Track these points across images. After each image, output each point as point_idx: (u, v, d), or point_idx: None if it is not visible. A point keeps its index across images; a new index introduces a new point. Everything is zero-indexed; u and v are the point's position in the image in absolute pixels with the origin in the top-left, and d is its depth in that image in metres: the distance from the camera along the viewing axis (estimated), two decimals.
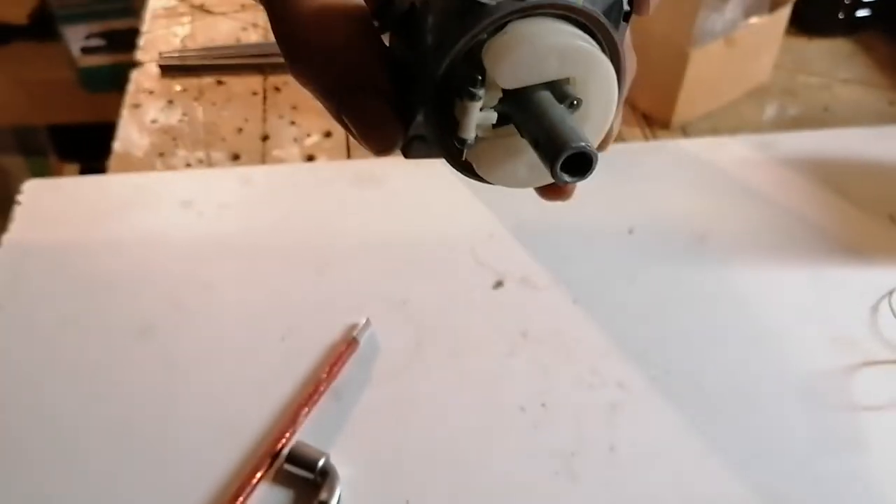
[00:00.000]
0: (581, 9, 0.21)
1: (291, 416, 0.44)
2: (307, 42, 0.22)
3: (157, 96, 0.69)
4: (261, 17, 0.78)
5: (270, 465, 0.42)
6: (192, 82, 0.71)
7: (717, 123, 0.67)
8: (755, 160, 0.61)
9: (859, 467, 0.43)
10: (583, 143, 0.19)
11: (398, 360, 0.48)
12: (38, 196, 0.58)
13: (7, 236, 0.55)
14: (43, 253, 0.54)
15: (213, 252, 0.54)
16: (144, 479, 0.43)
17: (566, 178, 0.20)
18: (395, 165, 0.60)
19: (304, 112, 0.67)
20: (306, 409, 0.44)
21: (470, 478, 0.43)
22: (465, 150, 0.22)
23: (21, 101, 1.28)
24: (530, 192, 0.26)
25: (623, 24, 0.24)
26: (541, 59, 0.21)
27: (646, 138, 0.65)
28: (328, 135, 0.65)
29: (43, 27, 1.23)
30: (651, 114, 0.67)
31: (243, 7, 0.79)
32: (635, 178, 0.60)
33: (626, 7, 0.23)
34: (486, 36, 0.21)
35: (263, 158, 0.63)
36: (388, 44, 0.24)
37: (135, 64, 0.73)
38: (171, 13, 0.80)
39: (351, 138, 0.65)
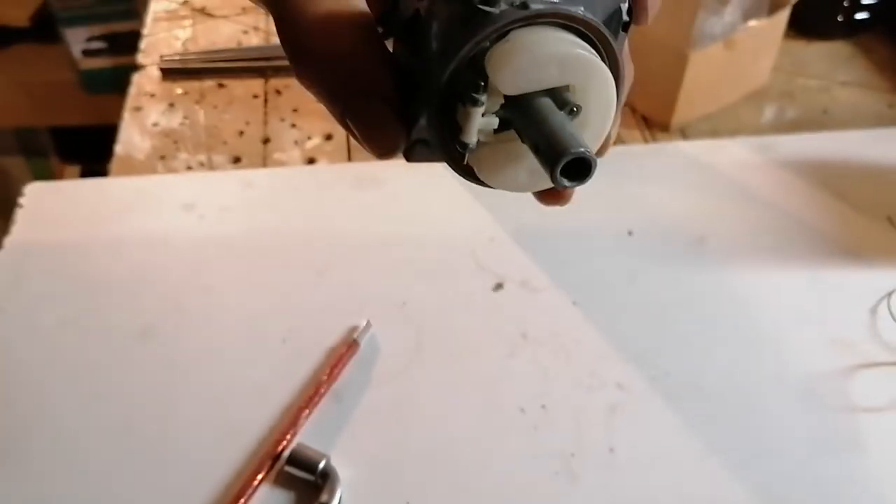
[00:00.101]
0: (582, 18, 0.22)
1: (292, 418, 0.44)
2: (313, 47, 0.23)
3: (159, 99, 0.70)
4: (262, 20, 0.79)
5: (271, 466, 0.43)
6: (194, 85, 0.71)
7: (717, 126, 0.67)
8: (754, 162, 0.61)
9: (858, 469, 0.44)
10: (582, 149, 0.20)
11: (398, 362, 0.48)
12: (40, 199, 0.58)
13: (9, 239, 0.55)
14: (44, 255, 0.55)
15: (215, 255, 0.55)
16: (144, 480, 0.43)
17: (566, 182, 0.20)
18: (396, 168, 0.60)
19: (305, 115, 0.67)
20: (307, 411, 0.45)
21: (470, 479, 0.43)
22: (466, 155, 0.23)
23: (22, 103, 1.28)
24: (530, 196, 0.26)
25: (622, 33, 0.24)
26: (542, 66, 0.21)
27: (645, 141, 0.66)
28: (329, 137, 0.65)
29: (44, 29, 1.23)
30: (650, 116, 0.67)
31: (244, 10, 0.80)
32: (634, 180, 0.60)
33: (625, 17, 0.24)
34: (488, 43, 0.21)
35: (264, 161, 0.64)
36: (391, 49, 0.24)
37: (136, 67, 0.74)
38: (172, 16, 0.80)
39: (352, 141, 0.66)
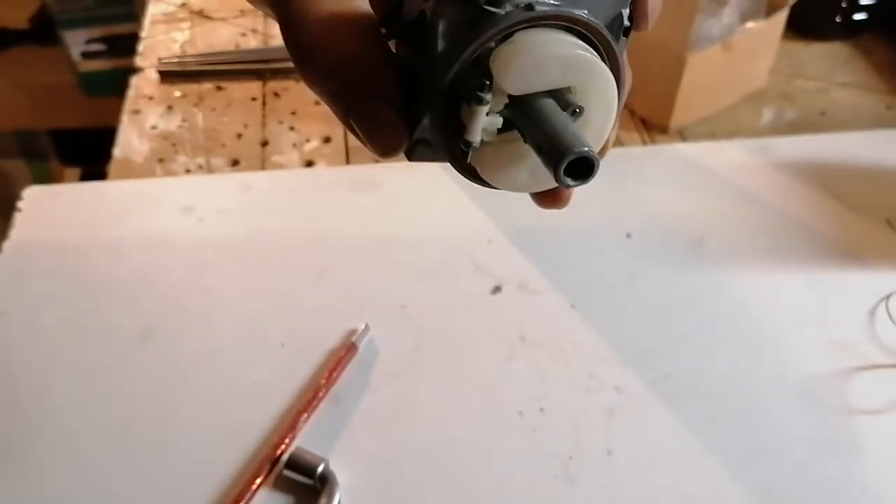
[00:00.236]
0: (585, 21, 0.22)
1: (291, 422, 0.44)
2: (317, 48, 0.23)
3: (157, 102, 0.70)
4: (259, 22, 0.79)
5: (270, 470, 0.43)
6: (192, 88, 0.71)
7: (715, 128, 0.67)
8: (753, 164, 0.61)
9: (857, 471, 0.44)
10: (586, 148, 0.20)
11: (397, 365, 0.48)
12: (39, 203, 0.58)
13: (8, 243, 0.55)
14: (44, 257, 0.55)
15: (214, 257, 0.55)
16: (143, 483, 0.43)
17: (569, 181, 0.21)
18: (394, 171, 0.61)
19: (303, 117, 0.67)
20: (306, 415, 0.45)
21: (468, 482, 0.43)
22: (469, 153, 0.23)
23: (22, 105, 1.28)
24: (528, 198, 0.27)
25: (623, 38, 0.25)
26: (546, 67, 0.22)
27: (644, 143, 0.66)
28: (327, 140, 0.65)
29: (44, 31, 1.23)
30: (649, 118, 0.67)
31: (242, 13, 0.80)
32: (633, 182, 0.60)
33: (626, 22, 0.24)
34: (494, 44, 0.22)
35: (263, 164, 0.64)
36: (394, 50, 0.25)
37: (134, 70, 0.74)
38: (170, 19, 0.80)
39: (350, 144, 0.66)
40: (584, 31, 0.23)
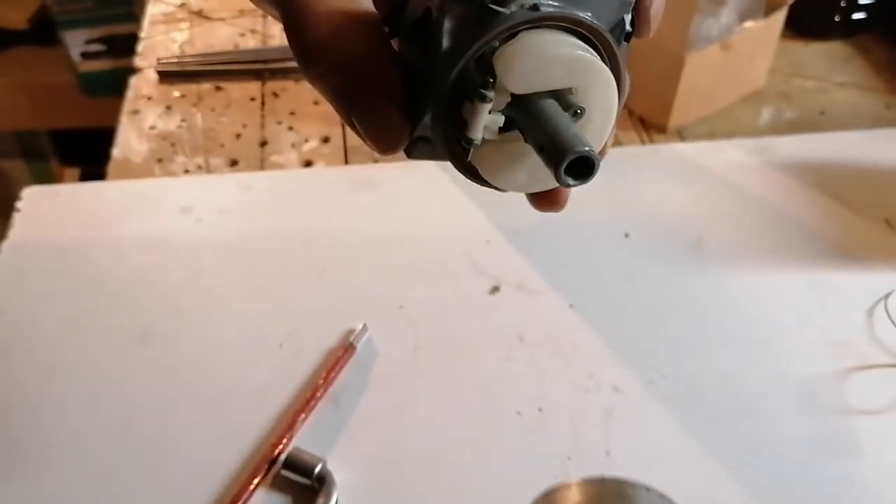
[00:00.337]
0: (589, 24, 0.23)
1: (289, 422, 0.44)
2: (320, 45, 0.23)
3: (156, 102, 0.70)
4: (258, 22, 0.79)
5: (268, 470, 0.43)
6: (191, 88, 0.71)
7: (714, 127, 0.67)
8: (751, 164, 0.61)
9: (855, 471, 0.44)
10: (587, 148, 0.20)
11: (395, 365, 0.48)
12: (38, 203, 0.59)
13: (7, 243, 0.55)
14: (43, 258, 0.55)
15: (213, 257, 0.55)
16: (142, 483, 0.43)
17: (569, 181, 0.21)
18: (393, 171, 0.61)
19: (302, 118, 0.67)
20: (303, 415, 0.45)
21: (467, 482, 0.43)
22: (470, 151, 0.23)
23: (22, 106, 1.28)
24: (526, 198, 0.27)
25: (624, 43, 0.25)
26: (549, 67, 0.22)
27: (642, 142, 0.66)
28: (326, 140, 0.65)
29: (43, 32, 1.23)
30: (647, 118, 0.67)
31: (241, 13, 0.80)
32: (632, 182, 0.60)
33: (627, 28, 0.25)
34: (498, 43, 0.22)
35: (262, 164, 0.64)
36: (396, 48, 0.25)
37: (133, 70, 0.74)
38: (169, 19, 0.80)
39: (349, 144, 0.66)
40: (587, 34, 0.23)
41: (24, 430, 0.45)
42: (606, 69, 0.23)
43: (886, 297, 0.51)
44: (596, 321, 0.51)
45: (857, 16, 0.74)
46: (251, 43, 0.76)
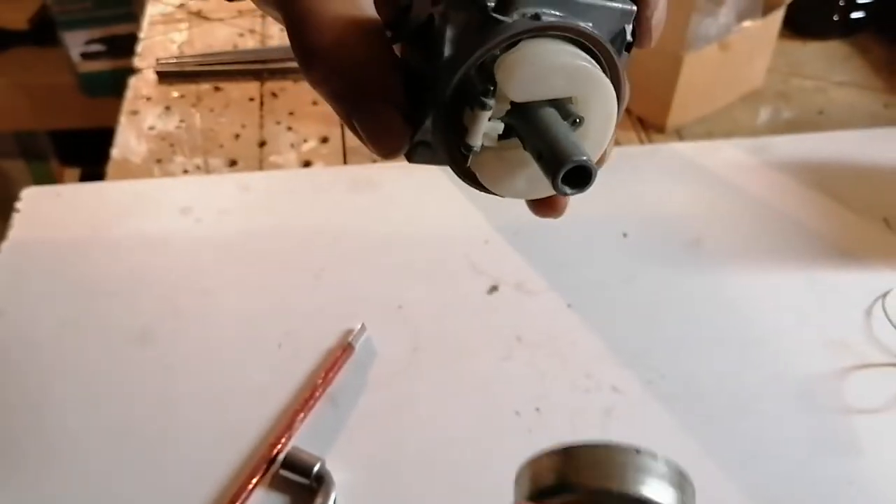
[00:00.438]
0: (590, 34, 0.23)
1: (287, 422, 0.44)
2: (322, 49, 0.23)
3: (155, 103, 0.70)
4: (257, 23, 0.79)
5: (266, 470, 0.43)
6: (190, 88, 0.71)
7: (712, 127, 0.67)
8: (750, 164, 0.61)
9: (854, 470, 0.44)
10: (584, 157, 0.21)
11: (394, 365, 0.48)
12: (37, 203, 0.59)
13: (6, 243, 0.55)
14: (42, 259, 0.55)
15: (212, 257, 0.55)
16: (141, 482, 0.43)
17: (566, 189, 0.21)
18: (392, 171, 0.61)
19: (300, 118, 0.68)
20: (302, 415, 0.45)
21: (465, 482, 0.43)
22: (469, 157, 0.24)
23: (22, 106, 1.28)
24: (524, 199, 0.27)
25: (625, 53, 0.25)
26: (550, 76, 0.22)
27: (641, 142, 0.66)
28: (325, 140, 0.66)
29: (43, 32, 1.23)
30: (646, 118, 0.67)
31: (240, 13, 0.80)
32: (630, 181, 0.60)
33: (629, 38, 0.25)
34: (499, 51, 0.22)
35: (261, 164, 0.64)
36: (398, 53, 0.25)
37: (133, 70, 0.74)
38: (168, 19, 0.80)
39: (348, 144, 0.66)
40: (588, 44, 0.23)
41: (22, 430, 0.46)
42: (606, 79, 0.23)
43: (884, 296, 0.51)
44: (594, 321, 0.51)
45: (855, 15, 0.74)
46: (250, 43, 0.76)
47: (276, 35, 0.77)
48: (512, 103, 0.22)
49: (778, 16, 0.66)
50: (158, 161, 0.64)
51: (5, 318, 0.51)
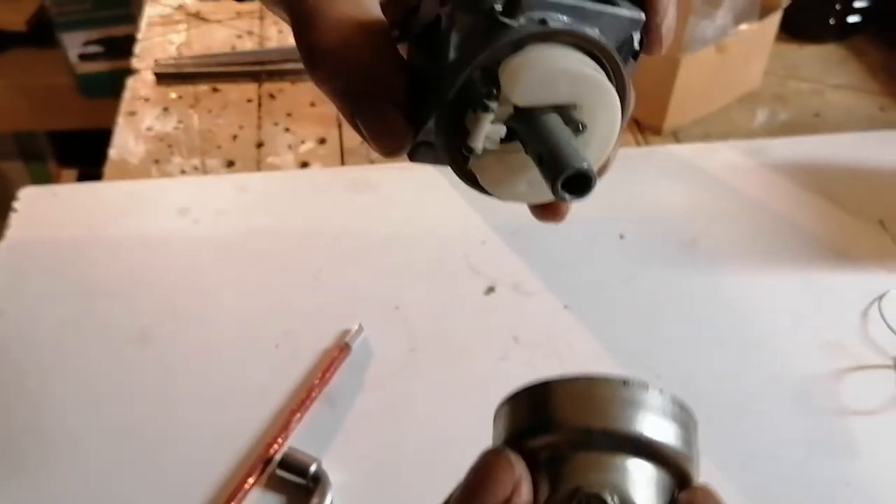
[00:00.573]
0: (596, 41, 0.23)
1: (284, 422, 0.44)
2: (328, 49, 0.24)
3: (153, 104, 0.70)
4: (256, 24, 0.79)
5: (263, 470, 0.43)
6: (188, 90, 0.71)
7: (709, 129, 0.67)
8: (746, 166, 0.62)
9: (850, 471, 0.44)
10: (585, 164, 0.21)
11: (391, 365, 0.48)
12: (35, 203, 0.59)
13: (4, 243, 0.55)
14: (40, 258, 0.55)
15: (210, 258, 0.55)
16: (139, 481, 0.43)
17: (566, 195, 0.21)
18: (390, 172, 0.61)
19: (298, 119, 0.68)
20: (299, 415, 0.45)
21: None
22: (471, 159, 0.24)
23: (20, 107, 1.28)
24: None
25: (632, 61, 0.25)
26: (554, 81, 0.22)
27: (637, 144, 0.66)
28: (322, 141, 0.66)
29: (41, 34, 1.23)
30: (643, 120, 0.67)
31: (238, 15, 0.80)
32: (627, 183, 0.60)
33: (636, 46, 0.25)
34: (504, 55, 0.22)
35: (258, 165, 0.64)
36: (403, 54, 0.25)
37: (131, 71, 0.74)
38: (166, 21, 0.80)
39: (345, 145, 0.66)
40: (594, 51, 0.23)
41: (22, 430, 0.46)
42: (611, 87, 0.23)
43: (880, 297, 0.52)
44: (591, 322, 0.51)
45: (851, 18, 0.75)
46: (248, 45, 0.76)
47: (274, 37, 0.77)
48: (515, 107, 0.22)
49: (775, 19, 0.67)
50: (156, 162, 0.64)
51: (3, 317, 0.51)
